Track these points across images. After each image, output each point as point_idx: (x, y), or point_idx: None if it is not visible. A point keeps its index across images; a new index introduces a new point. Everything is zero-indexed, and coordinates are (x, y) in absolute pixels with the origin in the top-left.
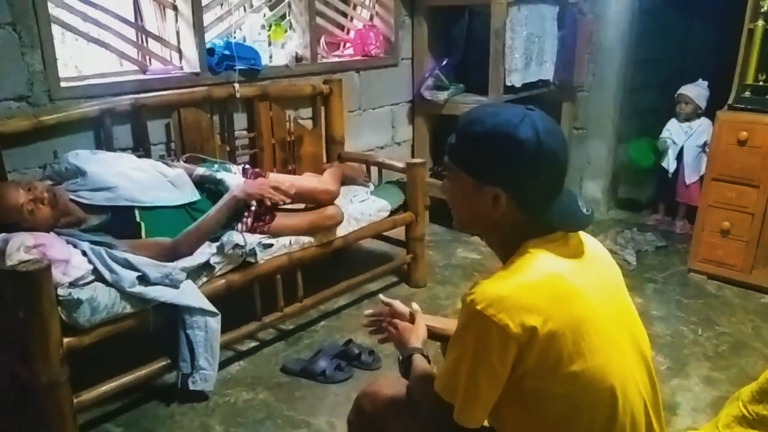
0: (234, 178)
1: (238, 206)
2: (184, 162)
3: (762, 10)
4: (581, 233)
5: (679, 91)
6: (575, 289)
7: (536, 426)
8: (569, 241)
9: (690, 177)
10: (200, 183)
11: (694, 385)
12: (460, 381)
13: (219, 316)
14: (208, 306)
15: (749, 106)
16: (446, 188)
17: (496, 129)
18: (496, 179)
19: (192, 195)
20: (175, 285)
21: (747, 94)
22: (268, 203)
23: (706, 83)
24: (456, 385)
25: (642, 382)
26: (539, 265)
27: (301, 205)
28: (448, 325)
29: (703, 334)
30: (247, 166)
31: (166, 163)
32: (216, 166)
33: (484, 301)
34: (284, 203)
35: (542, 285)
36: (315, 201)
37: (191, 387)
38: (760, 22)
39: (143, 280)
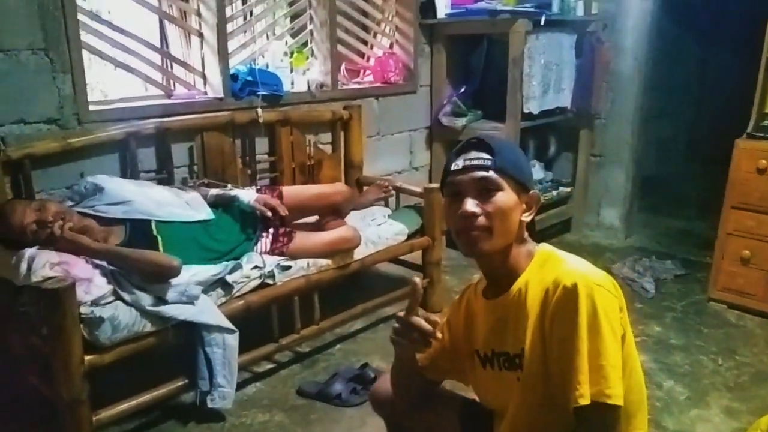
0: (247, 194)
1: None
2: (200, 185)
3: None
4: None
5: None
6: None
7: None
8: None
9: None
10: (216, 204)
11: (714, 416)
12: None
13: (237, 334)
14: (226, 323)
15: None
16: (496, 205)
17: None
18: (532, 183)
19: (206, 216)
20: (191, 301)
21: (766, 122)
22: None
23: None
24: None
25: None
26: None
27: (315, 217)
28: None
29: (724, 364)
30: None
31: (182, 188)
32: (229, 185)
33: (584, 279)
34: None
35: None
36: (328, 203)
37: (210, 404)
38: None
39: (161, 300)
